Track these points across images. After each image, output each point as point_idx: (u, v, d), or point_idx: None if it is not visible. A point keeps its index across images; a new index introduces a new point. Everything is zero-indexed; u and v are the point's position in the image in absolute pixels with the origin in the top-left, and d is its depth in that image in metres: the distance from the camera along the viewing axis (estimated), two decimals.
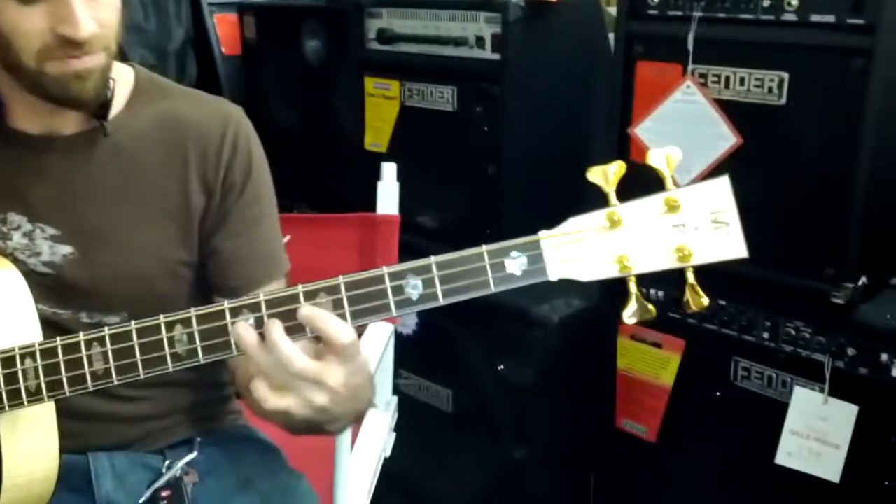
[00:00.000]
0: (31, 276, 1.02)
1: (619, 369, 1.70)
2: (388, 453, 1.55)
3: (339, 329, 0.84)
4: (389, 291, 0.84)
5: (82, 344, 0.91)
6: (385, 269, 0.84)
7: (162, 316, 0.89)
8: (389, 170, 1.58)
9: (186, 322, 0.88)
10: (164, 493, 1.09)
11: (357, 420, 0.99)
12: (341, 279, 0.85)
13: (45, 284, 1.04)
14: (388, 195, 1.58)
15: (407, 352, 1.75)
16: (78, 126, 1.05)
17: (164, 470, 1.11)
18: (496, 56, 1.75)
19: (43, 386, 0.92)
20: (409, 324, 1.90)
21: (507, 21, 1.71)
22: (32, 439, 0.99)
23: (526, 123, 1.79)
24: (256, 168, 1.11)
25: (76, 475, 1.06)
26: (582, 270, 0.81)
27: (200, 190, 1.08)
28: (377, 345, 1.44)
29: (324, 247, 1.56)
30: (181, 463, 1.12)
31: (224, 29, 2.48)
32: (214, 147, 1.08)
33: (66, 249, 1.05)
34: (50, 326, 1.01)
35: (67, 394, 0.92)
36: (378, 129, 1.99)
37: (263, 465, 1.16)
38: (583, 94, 1.90)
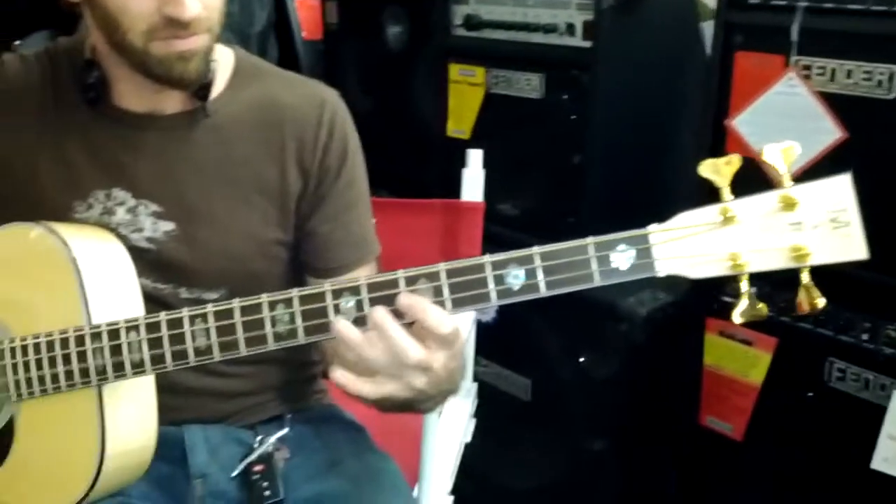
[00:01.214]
0: (133, 251, 1.04)
1: (706, 365, 1.66)
2: (468, 439, 1.55)
3: (439, 319, 0.84)
4: (491, 281, 0.83)
5: (186, 320, 0.93)
6: (487, 258, 0.83)
7: (265, 295, 0.90)
8: (475, 157, 1.57)
9: (288, 302, 0.89)
10: (257, 468, 1.10)
11: (446, 400, 0.99)
12: (442, 266, 0.85)
13: (146, 259, 1.06)
14: (473, 182, 1.57)
15: (486, 339, 1.74)
16: (180, 106, 1.06)
17: (255, 445, 1.13)
18: (587, 43, 1.72)
19: (146, 359, 0.94)
20: (489, 311, 1.90)
21: (600, 8, 1.68)
22: (133, 410, 1.01)
23: (614, 113, 1.76)
24: (352, 152, 1.12)
25: (171, 447, 1.08)
26: (692, 267, 0.79)
27: (297, 173, 1.09)
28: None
29: (406, 232, 1.56)
30: (273, 438, 1.14)
31: (305, 13, 2.50)
32: (311, 131, 1.09)
33: (168, 226, 1.07)
34: (150, 301, 1.03)
35: (169, 368, 0.94)
36: (461, 116, 1.98)
37: (352, 445, 1.17)
38: (672, 85, 1.86)
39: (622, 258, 0.80)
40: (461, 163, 1.58)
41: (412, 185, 2.10)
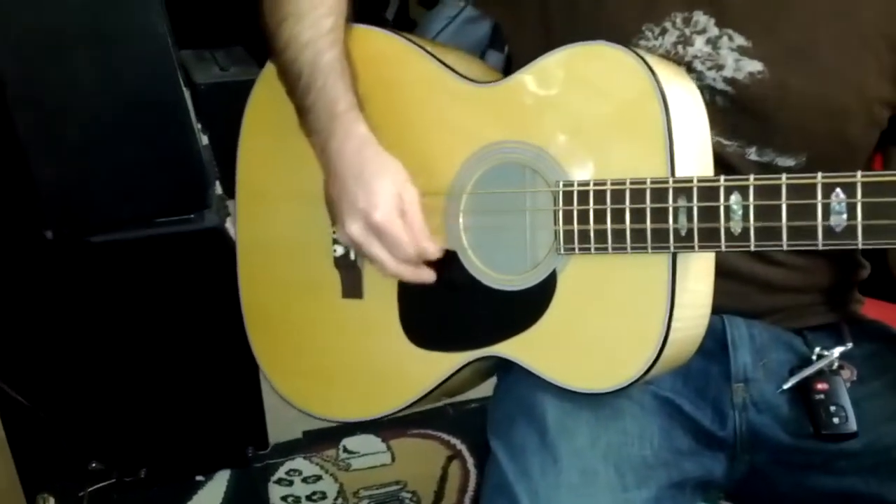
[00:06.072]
0: (704, 92, 0.85)
1: None
2: None
3: None
4: None
5: (819, 187, 0.71)
6: None
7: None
8: None
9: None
10: (820, 387, 0.88)
11: None
12: None
13: (718, 107, 0.86)
14: None
15: None
16: None
17: (813, 357, 0.91)
18: None
19: (752, 231, 0.74)
20: None
21: None
22: (699, 291, 0.84)
23: None
24: None
25: (709, 337, 0.89)
26: None
27: None
28: None
29: None
30: (836, 352, 0.90)
31: None
32: None
33: (755, 66, 0.86)
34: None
35: (784, 247, 0.73)
36: None
37: None
38: None
39: None
40: None
41: None
